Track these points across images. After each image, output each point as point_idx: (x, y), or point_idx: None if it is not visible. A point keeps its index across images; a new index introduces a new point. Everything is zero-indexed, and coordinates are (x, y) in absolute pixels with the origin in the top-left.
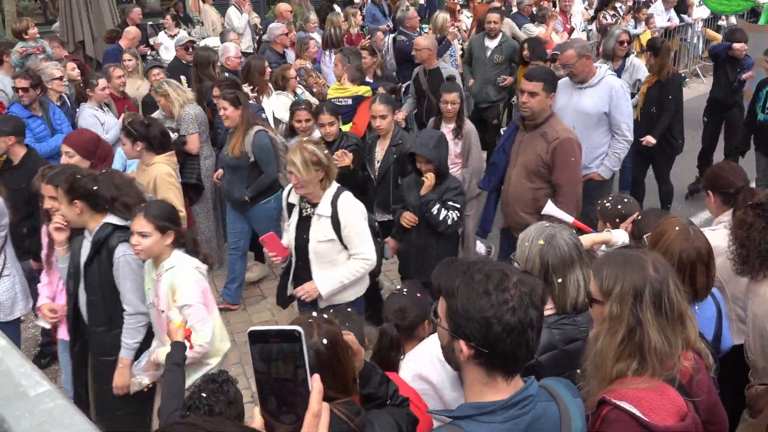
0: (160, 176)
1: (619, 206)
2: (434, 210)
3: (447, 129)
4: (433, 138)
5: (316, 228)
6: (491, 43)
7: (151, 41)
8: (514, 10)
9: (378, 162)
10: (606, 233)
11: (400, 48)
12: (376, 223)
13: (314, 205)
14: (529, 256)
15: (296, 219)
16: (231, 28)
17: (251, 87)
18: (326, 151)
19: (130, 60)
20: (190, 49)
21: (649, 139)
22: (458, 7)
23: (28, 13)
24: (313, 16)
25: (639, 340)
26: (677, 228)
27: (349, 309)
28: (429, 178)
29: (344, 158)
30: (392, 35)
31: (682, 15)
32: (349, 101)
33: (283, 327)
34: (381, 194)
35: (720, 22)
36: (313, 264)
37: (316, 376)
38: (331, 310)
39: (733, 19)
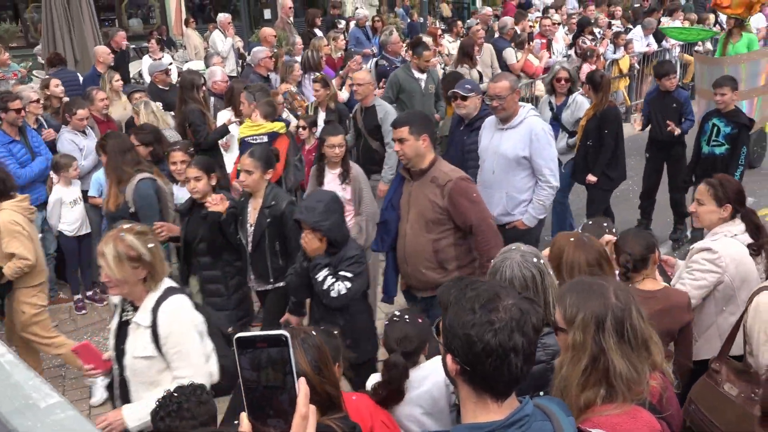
0: (3, 224)
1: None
2: (320, 276)
3: (332, 175)
4: (321, 201)
5: (133, 339)
6: (421, 75)
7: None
8: (497, 35)
9: (251, 225)
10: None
11: (380, 73)
12: (229, 330)
13: (135, 309)
14: (508, 276)
15: (116, 323)
16: (215, 52)
17: (234, 111)
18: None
19: (117, 81)
20: (170, 73)
21: (590, 178)
22: (440, 32)
23: (10, 36)
24: (298, 40)
25: (603, 367)
26: (572, 239)
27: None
28: (307, 242)
29: (219, 204)
30: (375, 59)
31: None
32: (265, 138)
33: (269, 332)
34: (257, 264)
35: (697, 48)
36: (130, 383)
37: (303, 379)
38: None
39: (709, 45)
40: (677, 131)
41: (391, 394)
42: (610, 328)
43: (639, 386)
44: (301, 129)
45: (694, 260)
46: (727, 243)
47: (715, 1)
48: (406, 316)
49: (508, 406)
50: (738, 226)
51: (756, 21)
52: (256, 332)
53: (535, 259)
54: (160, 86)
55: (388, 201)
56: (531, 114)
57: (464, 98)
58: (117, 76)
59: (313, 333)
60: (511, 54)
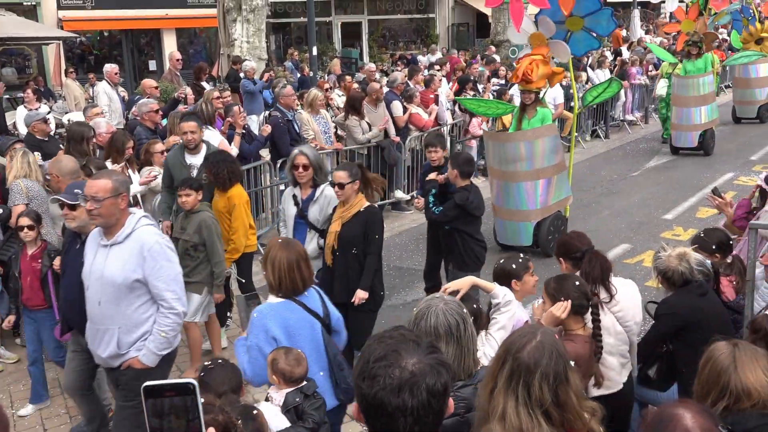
0: None
1: (513, 265)
2: None
3: None
4: None
5: None
6: (194, 159)
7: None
8: (386, 89)
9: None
10: (490, 284)
11: (272, 123)
12: None
13: None
14: (437, 329)
15: None
16: (96, 104)
17: (113, 161)
18: None
19: None
20: (48, 122)
21: (360, 295)
22: (328, 85)
23: None
24: (188, 90)
25: (495, 408)
26: (279, 240)
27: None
28: None
29: None
30: (267, 111)
31: None
32: None
33: (177, 380)
34: None
35: (572, 104)
36: None
37: (211, 429)
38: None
39: (662, 91)
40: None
41: None
42: (508, 373)
43: None
44: None
45: None
46: None
47: (524, 77)
48: (220, 360)
49: None
50: None
51: (553, 96)
52: (163, 381)
53: (458, 307)
54: (39, 137)
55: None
56: (142, 224)
57: (71, 207)
58: None
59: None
60: (398, 107)
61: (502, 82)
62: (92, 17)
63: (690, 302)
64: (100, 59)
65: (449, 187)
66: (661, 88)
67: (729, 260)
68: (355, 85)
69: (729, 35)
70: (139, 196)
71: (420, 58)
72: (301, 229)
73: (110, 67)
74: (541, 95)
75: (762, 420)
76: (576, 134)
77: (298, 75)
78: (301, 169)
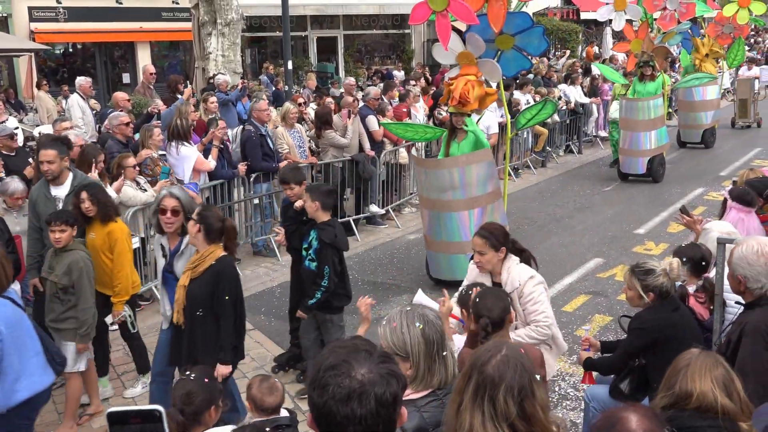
0: None
1: (470, 292)
2: None
3: None
4: None
5: None
6: (59, 191)
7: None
8: (361, 103)
9: None
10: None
11: (245, 137)
12: None
13: None
14: (411, 341)
15: None
16: (66, 117)
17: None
18: None
19: None
20: (15, 137)
21: (222, 371)
22: (302, 100)
23: None
24: (160, 103)
25: (462, 424)
26: None
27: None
28: None
29: None
30: (241, 126)
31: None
32: None
33: (143, 407)
34: None
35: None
36: None
37: None
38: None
39: (556, 117)
40: (281, 238)
41: None
42: (473, 388)
43: None
44: None
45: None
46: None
47: (461, 99)
48: (193, 375)
49: None
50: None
51: (487, 125)
52: (128, 407)
53: (438, 321)
54: (4, 152)
55: None
56: None
57: None
58: None
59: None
60: (373, 121)
61: None
62: (65, 29)
63: (663, 317)
64: (73, 71)
65: (306, 218)
66: (613, 111)
67: (700, 281)
68: (329, 100)
69: (678, 55)
70: None
71: (395, 73)
72: (173, 283)
73: (83, 80)
74: (474, 118)
75: (698, 422)
76: (540, 154)
77: (273, 89)
78: (169, 214)
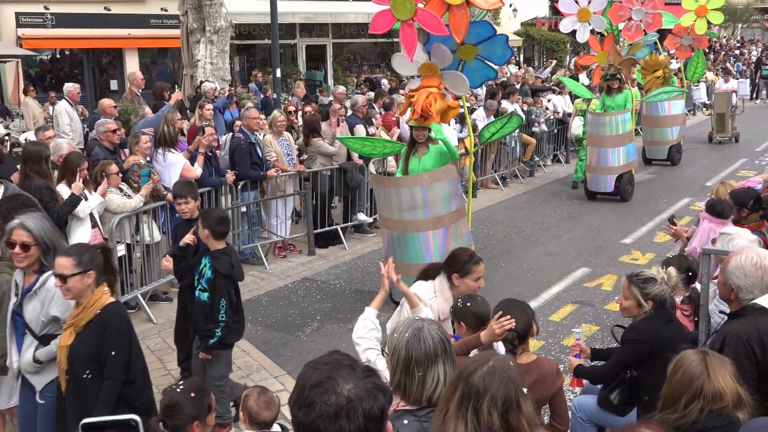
0: None
1: (468, 304)
2: None
3: None
4: None
5: None
6: None
7: None
8: (350, 112)
9: None
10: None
11: (234, 145)
12: None
13: None
14: (396, 348)
15: None
16: (49, 126)
17: (67, 183)
18: None
19: None
20: (5, 142)
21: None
22: (291, 108)
23: None
24: (148, 110)
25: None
26: None
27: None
28: None
29: None
30: (231, 133)
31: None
32: None
33: (118, 417)
34: None
35: (534, 129)
36: None
37: None
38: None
39: (544, 126)
40: (168, 265)
41: None
42: (459, 398)
43: None
44: None
45: None
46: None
47: (423, 113)
48: (180, 387)
49: None
50: None
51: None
52: (104, 417)
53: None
54: None
55: None
56: None
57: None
58: None
59: None
60: (361, 130)
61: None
62: (52, 35)
63: (657, 329)
64: (60, 78)
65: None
66: (576, 127)
67: (687, 293)
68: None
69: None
70: (96, 216)
71: (383, 81)
72: (22, 329)
73: (71, 86)
74: (432, 133)
75: (715, 423)
76: (518, 167)
77: (262, 96)
78: (18, 249)
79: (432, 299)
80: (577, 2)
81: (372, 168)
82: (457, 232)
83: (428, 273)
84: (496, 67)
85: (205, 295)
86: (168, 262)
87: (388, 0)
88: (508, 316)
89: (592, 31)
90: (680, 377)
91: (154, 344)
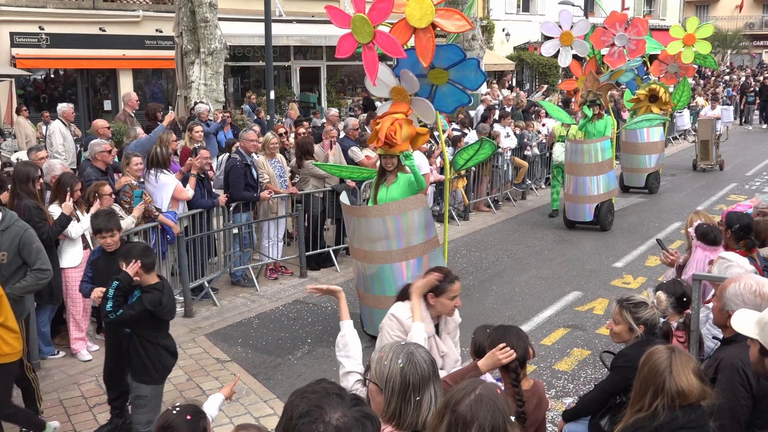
0: None
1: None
2: None
3: None
4: None
5: None
6: None
7: None
8: (342, 134)
9: None
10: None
11: (230, 165)
12: None
13: None
14: (389, 376)
15: None
16: (42, 146)
17: (59, 203)
18: None
19: None
20: None
21: None
22: (283, 129)
23: None
24: (140, 131)
25: None
26: None
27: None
28: None
29: None
30: (223, 155)
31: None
32: None
33: None
34: None
35: (526, 152)
36: None
37: None
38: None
39: (536, 150)
40: (97, 295)
41: None
42: (446, 427)
43: None
44: None
45: None
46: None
47: (387, 141)
48: (176, 409)
49: None
50: None
51: (417, 160)
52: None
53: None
54: None
55: None
56: None
57: None
58: None
59: None
60: (357, 152)
61: (458, 129)
62: (47, 55)
63: None
64: (54, 97)
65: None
66: (558, 154)
67: (681, 318)
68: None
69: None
70: (88, 236)
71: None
72: None
73: (66, 106)
74: (403, 160)
75: (691, 415)
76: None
77: (255, 118)
78: None
79: (408, 319)
80: (560, 26)
81: (344, 197)
82: (429, 263)
83: (405, 293)
84: (469, 92)
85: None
86: (97, 295)
87: (349, 24)
88: (509, 348)
89: (574, 56)
90: (647, 371)
91: None
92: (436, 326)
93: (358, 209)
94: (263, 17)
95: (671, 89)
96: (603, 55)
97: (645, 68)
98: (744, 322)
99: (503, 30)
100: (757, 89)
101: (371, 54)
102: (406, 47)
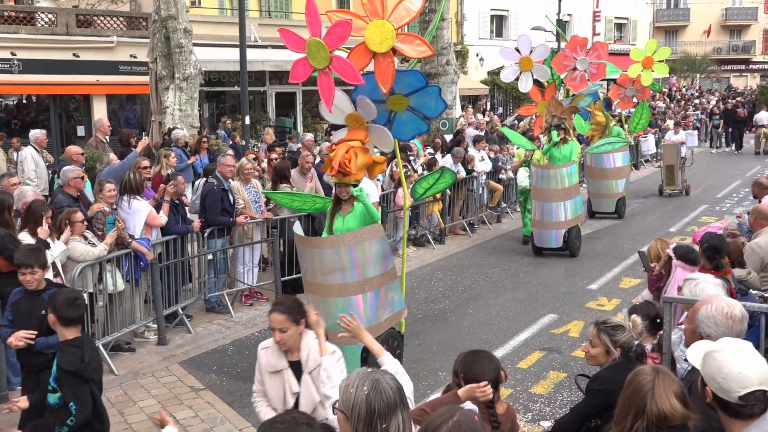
0: None
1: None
2: None
3: None
4: None
5: None
6: None
7: None
8: (317, 159)
9: None
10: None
11: (207, 190)
12: None
13: None
14: (354, 403)
15: None
16: (14, 173)
17: (30, 232)
18: None
19: None
20: None
21: None
22: (253, 156)
23: None
24: (113, 157)
25: None
26: None
27: None
28: None
29: None
30: (199, 180)
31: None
32: None
33: None
34: None
35: (501, 176)
36: None
37: None
38: None
39: (511, 173)
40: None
41: None
42: None
43: None
44: None
45: None
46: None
47: (340, 169)
48: None
49: None
50: None
51: (367, 189)
52: None
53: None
54: None
55: None
56: None
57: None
58: None
59: None
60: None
61: (432, 154)
62: (19, 81)
63: (622, 378)
64: (26, 123)
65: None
66: (523, 179)
67: (655, 340)
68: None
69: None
70: (59, 264)
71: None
72: None
73: (39, 133)
74: (355, 191)
75: None
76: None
77: (231, 143)
78: None
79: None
80: (518, 51)
81: (298, 227)
82: (387, 295)
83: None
84: (428, 121)
85: (54, 397)
86: (20, 339)
87: (304, 48)
88: (486, 383)
89: (535, 81)
90: (630, 392)
91: (114, 396)
92: (298, 363)
93: (311, 240)
94: (238, 43)
95: (628, 112)
96: (563, 80)
97: (597, 95)
98: (696, 353)
99: (477, 55)
100: (720, 114)
101: (327, 79)
102: (364, 72)
